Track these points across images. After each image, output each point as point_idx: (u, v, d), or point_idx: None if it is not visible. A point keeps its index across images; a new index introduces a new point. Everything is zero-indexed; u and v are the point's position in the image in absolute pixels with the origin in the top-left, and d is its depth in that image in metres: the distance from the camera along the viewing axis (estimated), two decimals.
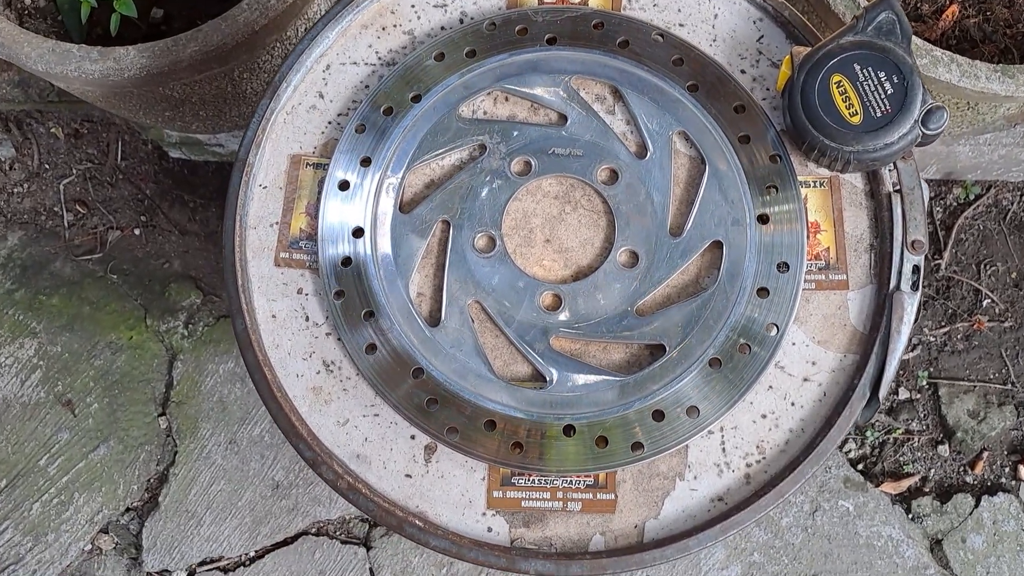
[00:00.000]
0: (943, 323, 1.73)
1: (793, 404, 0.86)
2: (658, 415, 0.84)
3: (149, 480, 1.68)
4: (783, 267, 0.87)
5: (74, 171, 1.84)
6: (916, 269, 0.87)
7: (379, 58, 0.97)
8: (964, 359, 1.73)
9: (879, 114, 0.85)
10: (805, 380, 0.87)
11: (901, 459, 1.67)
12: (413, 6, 0.98)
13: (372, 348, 0.87)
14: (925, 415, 1.70)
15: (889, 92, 0.85)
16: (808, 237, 0.89)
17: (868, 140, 0.85)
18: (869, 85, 0.86)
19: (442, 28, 0.98)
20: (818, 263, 0.89)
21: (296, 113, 0.95)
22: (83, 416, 1.71)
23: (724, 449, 0.85)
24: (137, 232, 1.82)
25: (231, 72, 1.24)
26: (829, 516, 1.63)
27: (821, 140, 0.86)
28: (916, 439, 1.68)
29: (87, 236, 1.82)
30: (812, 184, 0.91)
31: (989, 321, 1.73)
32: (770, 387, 0.87)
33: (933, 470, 1.68)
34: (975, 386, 1.70)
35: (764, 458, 0.85)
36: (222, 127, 1.42)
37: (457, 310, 0.89)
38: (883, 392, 0.85)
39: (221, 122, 1.40)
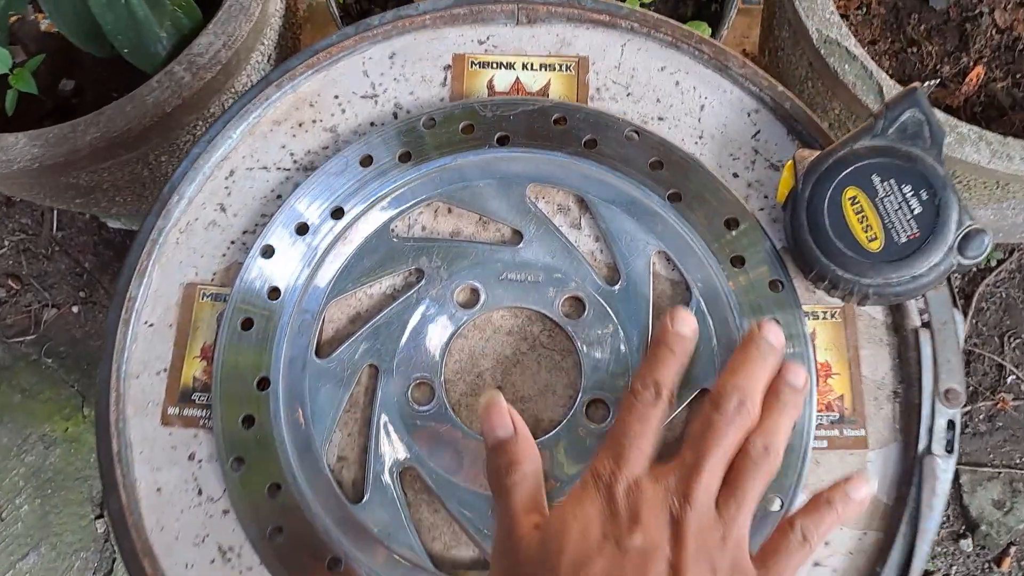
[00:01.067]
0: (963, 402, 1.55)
1: None
2: None
3: None
4: None
5: (6, 243, 1.69)
6: (951, 425, 0.71)
7: (294, 161, 0.81)
8: (987, 442, 1.56)
9: (904, 239, 0.69)
10: (816, 565, 0.70)
11: None
12: (336, 97, 0.82)
13: (278, 531, 0.71)
14: (946, 505, 1.52)
15: (916, 212, 0.69)
16: (817, 383, 0.73)
17: (890, 272, 0.69)
18: (891, 202, 0.70)
19: (371, 124, 0.81)
20: (830, 415, 0.73)
21: (192, 231, 0.79)
22: (11, 520, 1.55)
23: None
24: (75, 310, 1.67)
25: (145, 156, 1.08)
26: None
27: (832, 270, 0.70)
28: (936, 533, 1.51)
29: (20, 315, 1.67)
30: (821, 316, 0.75)
31: (1014, 400, 1.56)
32: None
33: (955, 568, 1.51)
34: (1000, 472, 1.54)
35: None
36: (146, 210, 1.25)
37: (386, 481, 0.72)
38: None
39: (143, 205, 1.24)
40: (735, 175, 0.79)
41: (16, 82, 1.09)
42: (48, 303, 1.67)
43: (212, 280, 0.78)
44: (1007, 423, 1.57)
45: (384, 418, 0.73)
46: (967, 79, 1.13)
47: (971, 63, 1.15)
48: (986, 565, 1.52)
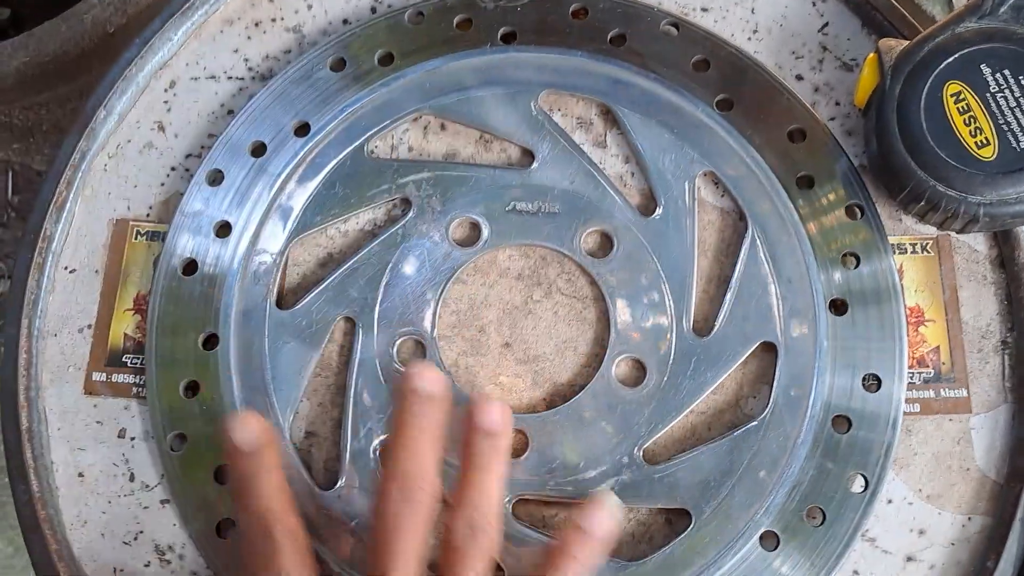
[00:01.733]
0: None
1: None
2: None
3: None
4: (872, 382, 0.58)
5: None
6: None
7: (249, 69, 0.67)
8: None
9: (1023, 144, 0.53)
10: (909, 560, 0.57)
11: None
12: None
13: (229, 526, 0.58)
14: None
15: None
16: (907, 332, 0.59)
17: (1007, 185, 0.55)
18: (1007, 99, 0.55)
19: (344, 22, 0.68)
20: (923, 372, 0.59)
21: (123, 156, 0.66)
22: None
23: None
24: None
25: (88, 89, 0.92)
26: None
27: (932, 185, 0.56)
28: None
29: None
30: (910, 248, 0.61)
31: None
32: (855, 573, 0.57)
33: None
34: None
35: None
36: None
37: (365, 461, 0.58)
38: None
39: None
40: (798, 77, 0.65)
41: None
42: (4, 274, 1.54)
43: (148, 215, 0.65)
44: None
45: (363, 384, 0.60)
46: None
47: None
48: None
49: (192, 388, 0.60)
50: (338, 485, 0.58)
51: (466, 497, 0.50)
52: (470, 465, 0.51)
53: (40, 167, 1.45)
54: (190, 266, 0.62)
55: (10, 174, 1.54)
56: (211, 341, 0.61)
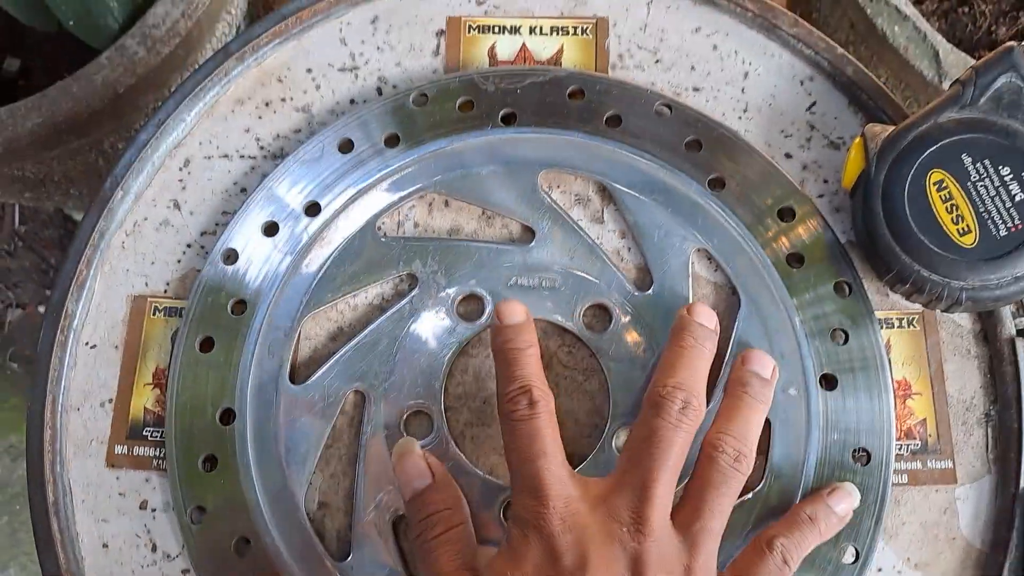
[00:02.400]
0: None
1: None
2: None
3: None
4: (861, 455, 0.59)
5: None
6: None
7: (261, 147, 0.69)
8: None
9: (1004, 232, 0.57)
10: None
11: None
12: (310, 71, 0.69)
13: None
14: None
15: (1018, 198, 0.57)
16: (895, 406, 0.61)
17: (988, 271, 0.57)
18: (986, 188, 0.57)
19: (352, 102, 0.69)
20: (911, 444, 0.61)
21: (140, 234, 0.67)
22: None
23: None
24: (42, 310, 1.54)
25: (98, 144, 0.95)
26: None
27: (916, 270, 0.58)
28: None
29: None
30: (896, 323, 0.63)
31: None
32: None
33: None
34: None
35: None
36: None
37: (377, 531, 0.60)
38: None
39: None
40: (787, 155, 0.67)
41: None
42: (12, 303, 1.55)
43: (165, 292, 0.66)
44: None
45: (372, 454, 0.61)
46: None
47: None
48: None
49: (210, 461, 0.61)
50: (351, 556, 0.60)
51: (732, 427, 0.53)
52: (739, 402, 0.54)
53: (57, 205, 1.47)
54: (207, 343, 0.63)
55: (16, 206, 1.55)
56: (227, 416, 0.62)
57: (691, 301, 0.63)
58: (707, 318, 0.56)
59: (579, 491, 0.50)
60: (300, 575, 0.59)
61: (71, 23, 0.92)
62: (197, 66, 0.68)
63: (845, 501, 0.55)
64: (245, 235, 0.65)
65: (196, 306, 0.64)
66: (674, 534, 0.50)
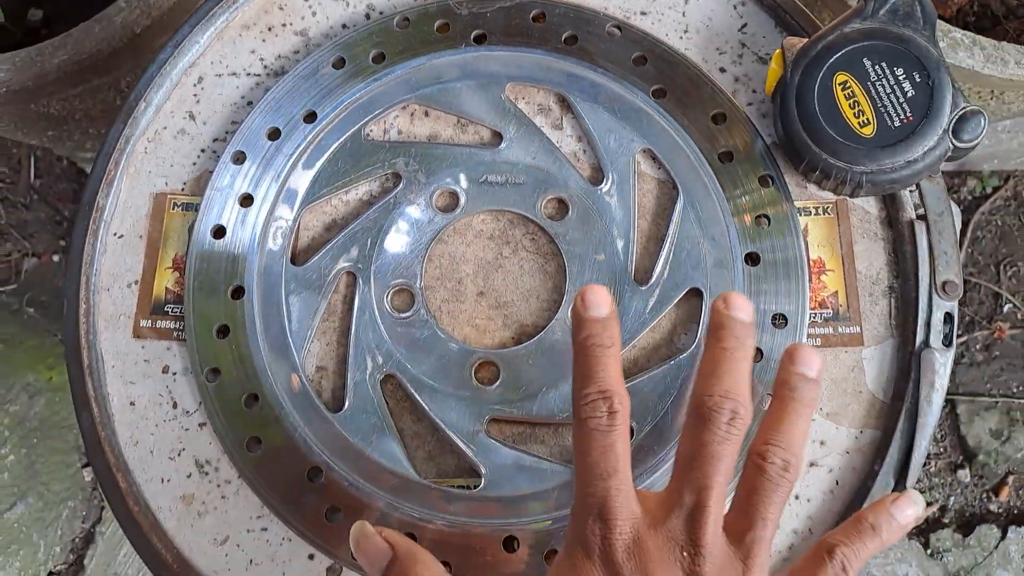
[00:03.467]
0: (959, 332, 1.53)
1: (797, 498, 0.68)
2: None
3: (73, 540, 1.49)
4: (779, 320, 0.69)
5: None
6: (949, 318, 0.69)
7: (265, 66, 0.78)
8: (984, 371, 1.54)
9: (897, 123, 0.66)
10: (812, 465, 0.68)
11: (917, 486, 1.47)
12: (307, 0, 0.78)
13: (256, 443, 0.68)
14: (942, 436, 1.51)
15: (909, 94, 0.66)
16: (810, 279, 0.71)
17: (884, 157, 0.66)
18: (883, 86, 0.67)
19: (343, 26, 0.78)
20: (824, 312, 0.70)
21: (160, 140, 0.76)
22: None
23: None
24: (56, 258, 1.64)
25: (116, 83, 1.04)
26: None
27: (824, 158, 0.67)
28: (932, 463, 1.50)
29: (0, 265, 1.62)
30: (813, 211, 0.72)
31: (1011, 328, 1.54)
32: None
33: (953, 498, 1.49)
34: (997, 402, 1.52)
35: None
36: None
37: (366, 388, 0.70)
38: (911, 480, 0.66)
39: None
40: (722, 69, 0.76)
41: None
42: (28, 252, 1.63)
43: (182, 190, 0.76)
44: (1004, 352, 1.55)
45: (363, 326, 0.71)
46: None
47: None
48: (984, 495, 1.50)
49: (223, 331, 0.70)
50: (344, 409, 0.69)
51: (779, 436, 0.50)
52: (785, 407, 0.52)
53: (62, 153, 1.55)
54: (219, 230, 0.72)
55: (32, 159, 1.64)
56: (238, 292, 0.71)
57: (635, 196, 0.72)
58: (745, 311, 0.54)
59: (640, 509, 0.49)
60: (301, 424, 0.69)
61: None
62: None
63: (910, 508, 0.53)
64: (252, 139, 0.74)
65: (209, 199, 0.73)
66: (728, 548, 0.49)
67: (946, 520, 1.49)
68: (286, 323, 0.71)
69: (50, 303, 1.61)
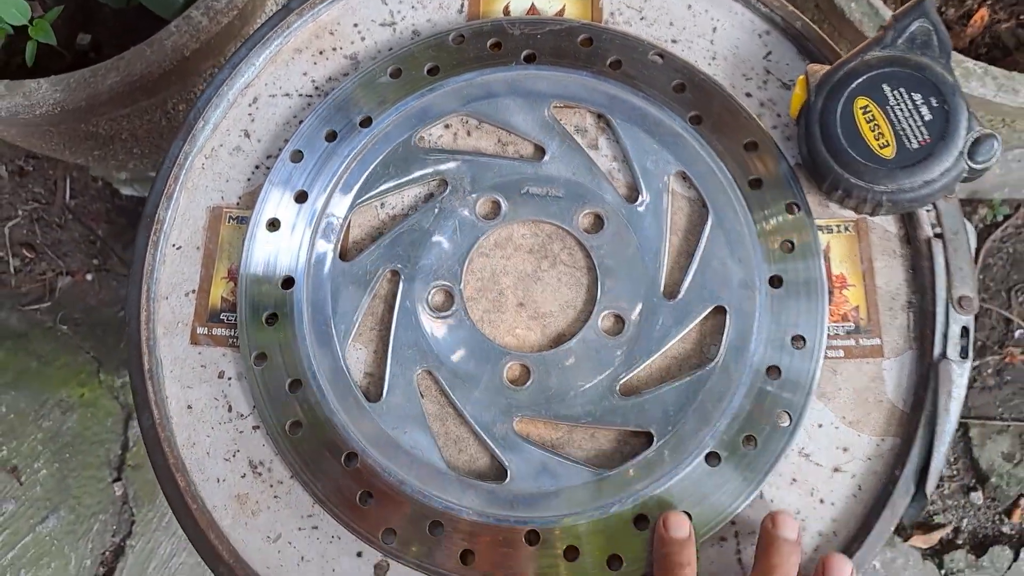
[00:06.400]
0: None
1: (822, 501, 0.71)
2: (641, 521, 0.69)
3: (104, 553, 1.52)
4: (799, 342, 0.72)
5: (19, 212, 1.69)
6: (965, 331, 0.72)
7: (316, 88, 0.82)
8: (996, 396, 1.56)
9: (916, 145, 0.70)
10: (836, 471, 0.71)
11: (931, 508, 1.50)
12: (356, 25, 0.83)
13: (296, 426, 0.72)
14: (955, 459, 1.53)
15: (927, 118, 0.70)
16: (832, 293, 0.74)
17: (903, 177, 0.70)
18: (902, 110, 0.71)
19: (390, 49, 0.83)
20: (846, 325, 0.74)
21: (217, 157, 0.81)
22: (30, 484, 1.55)
23: (740, 560, 0.69)
24: (89, 277, 1.67)
25: (163, 104, 1.09)
26: None
27: (846, 178, 0.71)
28: (946, 485, 1.52)
29: (35, 283, 1.67)
30: (835, 229, 0.76)
31: (1022, 353, 1.57)
32: (793, 480, 0.71)
33: (966, 520, 1.51)
34: (1009, 426, 1.54)
35: None
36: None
37: (404, 381, 0.73)
38: (931, 485, 0.69)
39: (160, 159, 1.24)
40: (748, 94, 0.80)
41: (36, 33, 1.10)
42: (62, 271, 1.67)
43: (237, 204, 0.80)
44: (1016, 376, 1.58)
45: (403, 322, 0.74)
46: (971, 21, 1.15)
47: (975, 5, 1.16)
48: (997, 517, 1.52)
49: (272, 318, 0.74)
50: (382, 399, 0.73)
51: None
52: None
53: (102, 172, 1.59)
54: (273, 223, 0.76)
55: (68, 180, 1.68)
56: (288, 282, 0.75)
57: (668, 214, 0.76)
58: (791, 529, 0.63)
59: None
60: (341, 411, 0.72)
61: None
62: (262, 22, 0.82)
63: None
64: (310, 139, 0.78)
65: (264, 195, 0.77)
66: None
67: (959, 541, 1.51)
68: (331, 315, 0.74)
69: (83, 321, 1.64)
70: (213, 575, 0.70)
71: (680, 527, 0.64)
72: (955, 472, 1.53)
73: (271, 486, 0.72)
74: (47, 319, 1.64)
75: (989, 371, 1.57)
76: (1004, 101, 1.01)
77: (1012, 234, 1.62)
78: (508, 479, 0.70)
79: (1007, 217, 1.61)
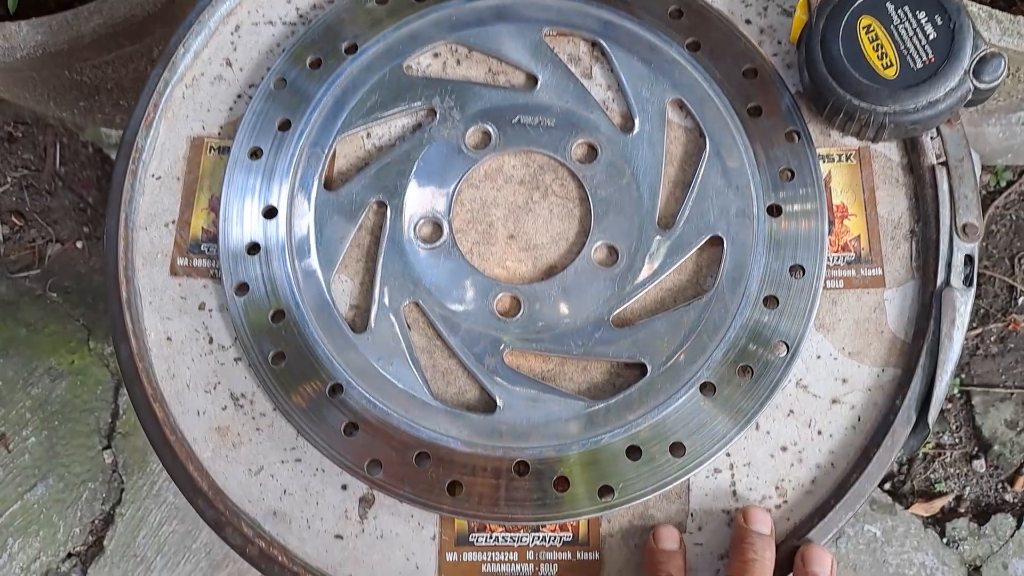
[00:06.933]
0: (975, 324, 1.54)
1: (820, 433, 0.69)
2: (633, 452, 0.67)
3: (93, 521, 1.50)
4: (797, 271, 0.70)
5: (8, 179, 1.67)
6: (969, 260, 0.70)
7: (300, 16, 0.80)
8: (999, 363, 1.54)
9: (920, 65, 0.67)
10: (834, 402, 0.69)
11: (932, 476, 1.49)
12: None
13: (279, 358, 0.70)
14: (957, 427, 1.51)
15: (931, 37, 0.68)
16: (833, 223, 0.72)
17: (907, 98, 0.67)
18: (906, 29, 0.68)
19: None
20: (846, 255, 0.72)
21: (198, 86, 0.78)
22: (18, 451, 1.53)
23: (735, 491, 0.67)
24: (79, 245, 1.65)
25: (148, 51, 1.07)
26: (855, 542, 1.45)
27: (848, 100, 0.68)
28: (948, 454, 1.50)
29: (24, 251, 1.65)
30: (837, 158, 0.74)
31: None
32: (791, 412, 0.69)
33: (968, 488, 1.49)
34: (1012, 393, 1.52)
35: (786, 502, 0.68)
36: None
37: (389, 312, 0.71)
38: (933, 415, 0.67)
39: None
40: (747, 21, 0.77)
41: None
42: (52, 238, 1.65)
43: (219, 134, 0.77)
44: (1019, 344, 1.56)
45: (390, 253, 0.72)
46: None
47: None
48: (1000, 485, 1.50)
49: (254, 248, 0.72)
50: (367, 331, 0.70)
51: None
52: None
53: (91, 128, 1.57)
54: (255, 152, 0.74)
55: (58, 146, 1.66)
56: (270, 212, 0.73)
57: (664, 144, 0.74)
58: (763, 524, 0.63)
59: None
60: (325, 342, 0.70)
61: None
62: None
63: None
64: (291, 69, 0.76)
65: (245, 123, 0.75)
66: None
67: (962, 510, 1.49)
68: (315, 244, 0.72)
69: (73, 288, 1.62)
70: (193, 508, 0.67)
71: (669, 539, 0.65)
72: (958, 440, 1.51)
73: (253, 418, 0.70)
74: (37, 287, 1.62)
75: (992, 339, 1.55)
76: (1009, 45, 0.99)
77: (1015, 200, 1.60)
78: (497, 410, 0.68)
79: (1010, 184, 1.59)
